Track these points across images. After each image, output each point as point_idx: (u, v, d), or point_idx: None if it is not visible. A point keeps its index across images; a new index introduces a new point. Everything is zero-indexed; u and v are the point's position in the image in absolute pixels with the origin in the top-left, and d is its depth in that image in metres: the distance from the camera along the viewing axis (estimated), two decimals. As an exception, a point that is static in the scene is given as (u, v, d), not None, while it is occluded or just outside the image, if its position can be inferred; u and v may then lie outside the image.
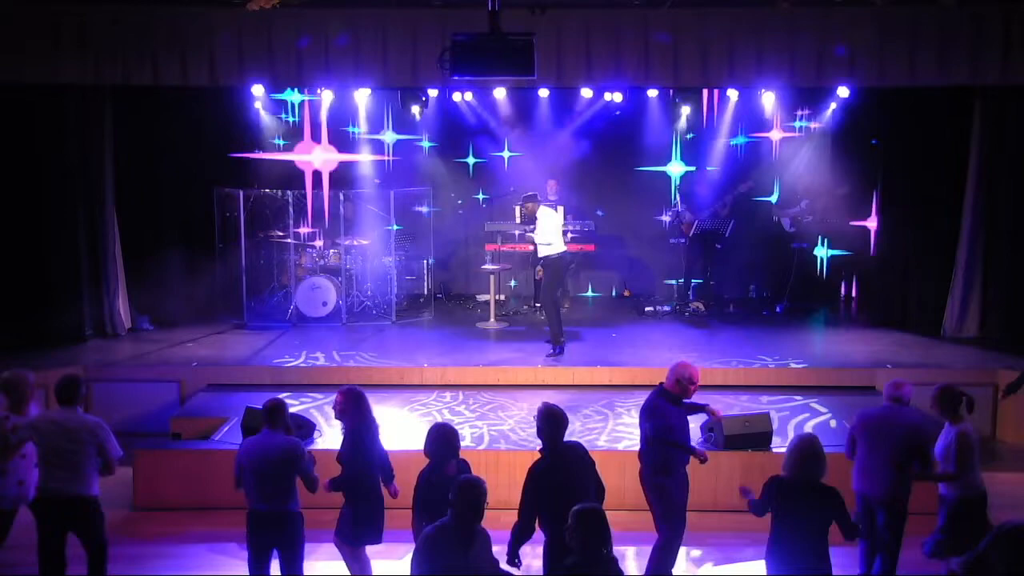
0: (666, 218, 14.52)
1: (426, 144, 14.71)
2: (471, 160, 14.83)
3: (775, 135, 14.18)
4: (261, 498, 5.91)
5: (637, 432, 6.96)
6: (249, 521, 5.96)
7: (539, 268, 12.16)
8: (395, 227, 13.33)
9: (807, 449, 5.63)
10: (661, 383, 6.71)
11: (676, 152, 14.69)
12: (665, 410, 6.57)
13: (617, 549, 4.83)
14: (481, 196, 14.83)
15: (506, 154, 14.73)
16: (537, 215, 11.07)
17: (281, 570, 6.02)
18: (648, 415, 6.61)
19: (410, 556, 5.05)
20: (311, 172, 13.69)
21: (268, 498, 5.90)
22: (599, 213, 14.28)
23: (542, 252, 11.11)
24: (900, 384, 6.57)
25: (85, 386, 6.64)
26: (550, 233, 10.99)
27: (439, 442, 5.88)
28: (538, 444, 5.92)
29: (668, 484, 6.58)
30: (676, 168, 14.73)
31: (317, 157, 13.76)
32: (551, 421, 5.89)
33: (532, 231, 11.22)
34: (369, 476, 6.32)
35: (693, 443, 6.84)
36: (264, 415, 6.07)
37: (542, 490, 5.73)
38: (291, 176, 13.68)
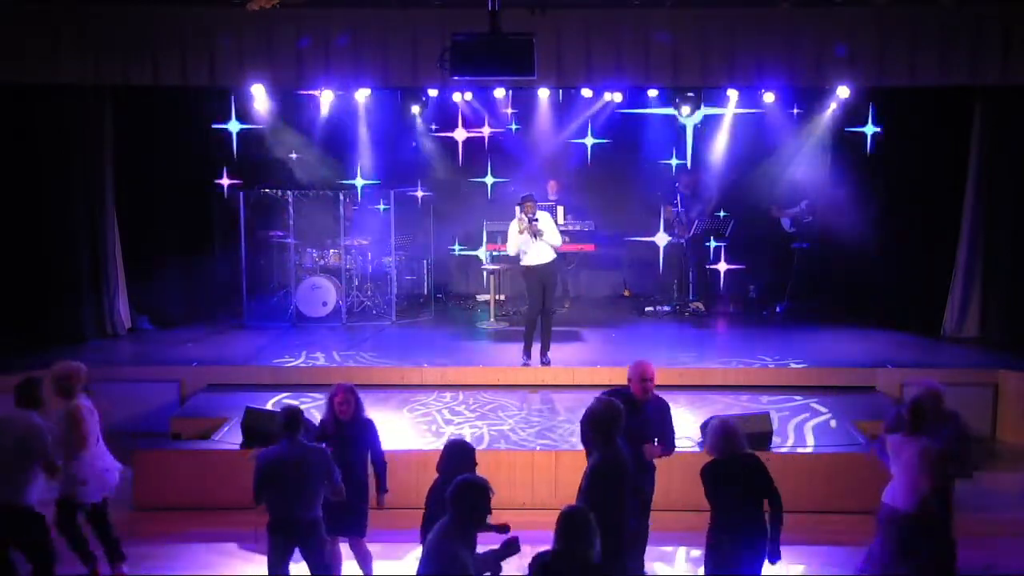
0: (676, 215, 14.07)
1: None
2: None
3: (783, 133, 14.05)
4: (288, 508, 5.77)
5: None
6: (272, 525, 5.81)
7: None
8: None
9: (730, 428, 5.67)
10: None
11: (688, 145, 14.58)
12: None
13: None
14: (489, 180, 14.68)
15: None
16: (540, 217, 10.16)
17: (312, 571, 5.91)
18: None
19: (410, 556, 5.05)
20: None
21: (296, 508, 5.76)
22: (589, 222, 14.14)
23: (548, 258, 10.21)
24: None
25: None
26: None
27: (451, 462, 5.68)
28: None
29: None
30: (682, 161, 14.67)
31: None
32: (615, 412, 5.75)
33: (541, 236, 10.05)
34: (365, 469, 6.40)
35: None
36: (283, 424, 5.85)
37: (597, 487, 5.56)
38: (292, 175, 13.69)
